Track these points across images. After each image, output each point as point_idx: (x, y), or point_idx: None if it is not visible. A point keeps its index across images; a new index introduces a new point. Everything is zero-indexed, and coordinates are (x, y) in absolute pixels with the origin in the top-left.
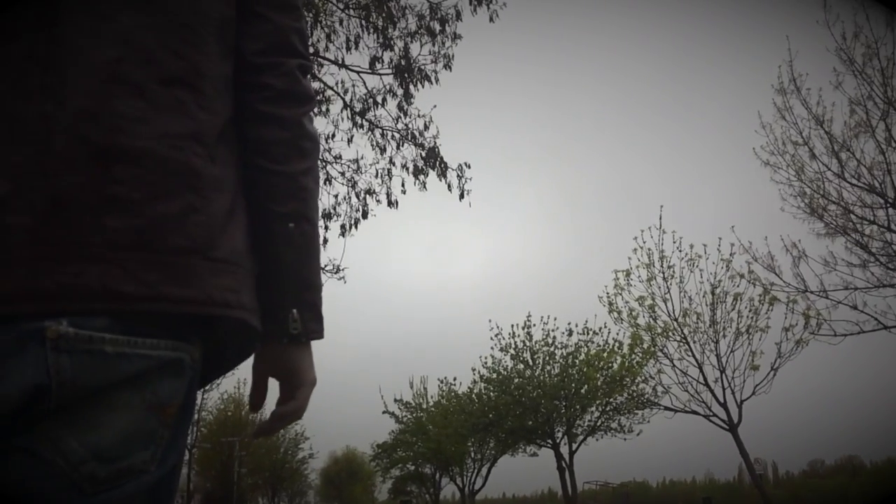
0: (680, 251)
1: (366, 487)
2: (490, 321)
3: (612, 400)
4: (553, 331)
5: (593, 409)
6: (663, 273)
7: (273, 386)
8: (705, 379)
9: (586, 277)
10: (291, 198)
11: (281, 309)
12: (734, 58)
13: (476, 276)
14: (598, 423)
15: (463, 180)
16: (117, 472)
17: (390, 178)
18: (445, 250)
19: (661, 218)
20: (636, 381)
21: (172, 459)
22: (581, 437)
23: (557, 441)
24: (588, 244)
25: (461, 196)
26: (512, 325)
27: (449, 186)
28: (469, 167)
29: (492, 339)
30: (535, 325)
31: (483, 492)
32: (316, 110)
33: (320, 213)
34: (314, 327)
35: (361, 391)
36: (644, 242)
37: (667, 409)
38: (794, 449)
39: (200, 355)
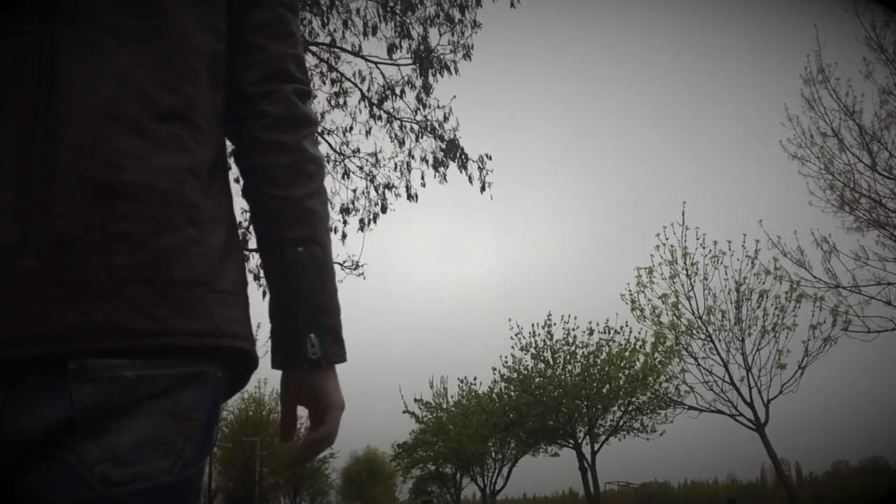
0: (704, 248)
1: (387, 487)
2: (510, 320)
3: (634, 399)
4: (574, 330)
5: (615, 408)
6: (686, 270)
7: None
8: (731, 378)
9: (608, 276)
10: (299, 222)
11: (299, 335)
12: (759, 49)
13: (495, 275)
14: (621, 423)
15: (484, 172)
16: (132, 476)
17: (409, 171)
18: (464, 247)
19: (683, 214)
20: (659, 380)
21: (189, 473)
22: (603, 438)
23: (579, 441)
24: (610, 242)
25: (482, 188)
26: (532, 325)
27: (470, 178)
28: (490, 158)
29: (512, 338)
30: (555, 324)
31: (504, 492)
32: (333, 102)
33: (340, 208)
34: (335, 351)
35: (381, 390)
36: (667, 239)
37: (691, 408)
38: (818, 450)
39: (223, 375)
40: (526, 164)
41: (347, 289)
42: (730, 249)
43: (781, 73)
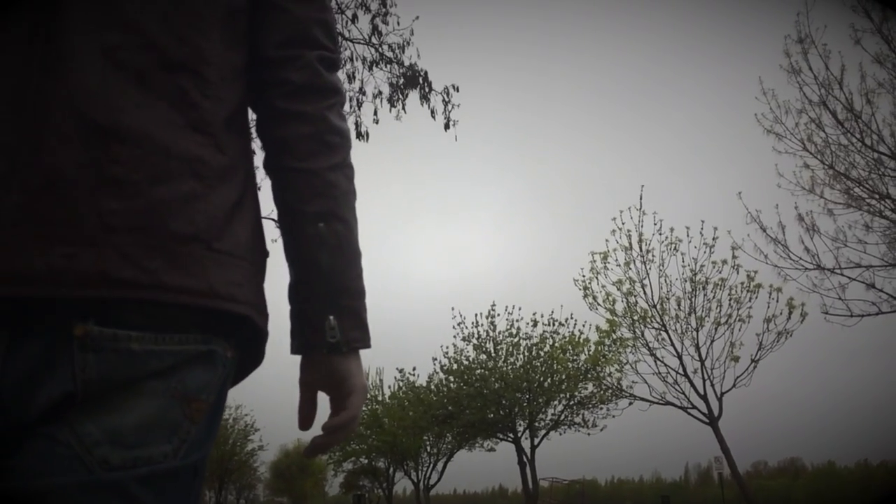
0: (660, 234)
1: (316, 481)
2: (453, 309)
3: (576, 393)
4: (518, 321)
5: (556, 402)
6: (642, 256)
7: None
8: (685, 369)
9: (560, 268)
10: (320, 196)
11: (317, 317)
12: (729, 20)
13: (441, 265)
14: (562, 418)
15: (449, 106)
16: (133, 461)
17: (360, 107)
18: (407, 230)
19: (641, 198)
20: (608, 371)
21: (195, 457)
22: (543, 432)
23: (519, 435)
24: (564, 233)
25: (446, 126)
26: (476, 314)
27: (432, 112)
28: (457, 90)
29: (454, 328)
30: (499, 314)
31: (435, 488)
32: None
33: None
34: (356, 336)
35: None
36: (623, 224)
37: (642, 399)
38: (737, 449)
39: (234, 356)
40: (475, 143)
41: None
42: (688, 236)
43: (754, 44)
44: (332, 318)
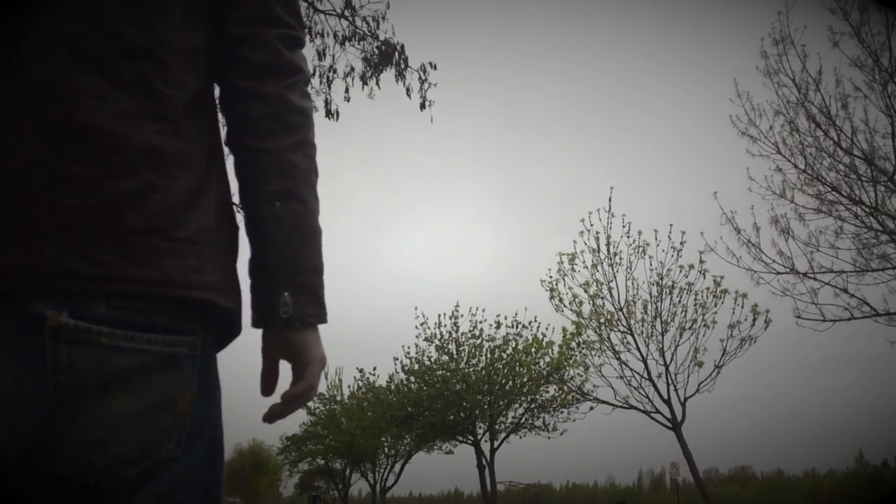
0: (629, 237)
1: (271, 482)
2: (416, 309)
3: (538, 396)
4: (481, 322)
5: (517, 405)
6: (610, 259)
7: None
8: (649, 373)
9: (526, 270)
10: (277, 175)
11: (272, 293)
12: (705, 20)
13: (404, 262)
14: (523, 421)
15: (426, 85)
16: (146, 468)
17: (330, 85)
18: (369, 230)
19: (610, 200)
20: (572, 374)
21: (204, 438)
22: (504, 435)
23: (479, 438)
24: (531, 236)
25: (422, 105)
26: (439, 315)
27: (408, 91)
28: (435, 68)
29: (416, 327)
30: (462, 315)
31: (391, 490)
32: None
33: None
34: (311, 311)
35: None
36: (591, 225)
37: (605, 403)
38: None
39: (203, 339)
40: (447, 136)
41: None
42: (656, 239)
43: (729, 46)
44: (286, 294)
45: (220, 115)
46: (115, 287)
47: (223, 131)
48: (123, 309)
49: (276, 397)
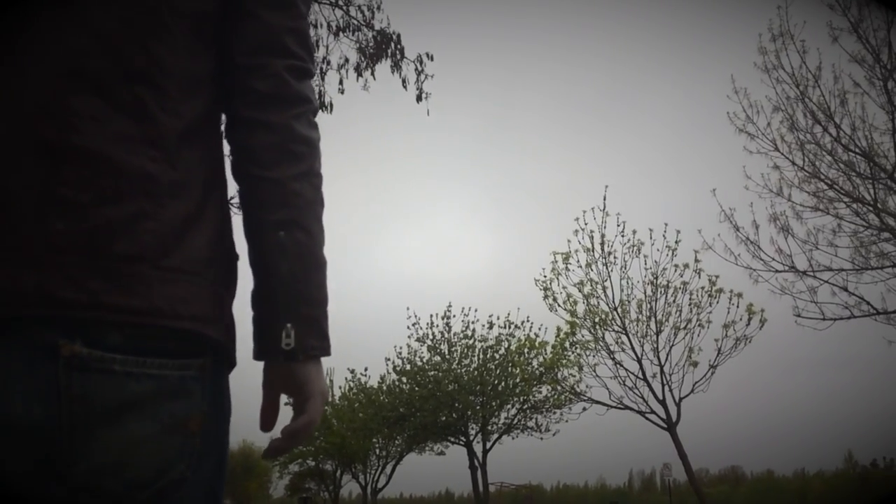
0: (623, 236)
1: (261, 484)
2: (408, 309)
3: (531, 397)
4: (473, 322)
5: (510, 406)
6: (604, 258)
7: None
8: (644, 373)
9: (520, 270)
10: (282, 205)
11: (275, 324)
12: (701, 17)
13: (397, 263)
14: (515, 422)
15: (422, 77)
16: (158, 490)
17: (323, 79)
18: (362, 229)
19: (605, 198)
20: (566, 374)
21: (214, 458)
22: (496, 436)
23: (471, 439)
24: (525, 236)
25: (418, 97)
26: (431, 315)
27: (404, 82)
28: (431, 59)
29: (408, 328)
30: (454, 315)
31: (383, 491)
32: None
33: None
34: (313, 343)
35: (258, 381)
36: (586, 224)
37: (599, 403)
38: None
39: (213, 361)
40: (442, 136)
41: None
42: (651, 238)
43: (726, 42)
44: (289, 325)
45: (226, 145)
46: (103, 315)
47: (228, 161)
48: (135, 336)
49: (275, 431)
